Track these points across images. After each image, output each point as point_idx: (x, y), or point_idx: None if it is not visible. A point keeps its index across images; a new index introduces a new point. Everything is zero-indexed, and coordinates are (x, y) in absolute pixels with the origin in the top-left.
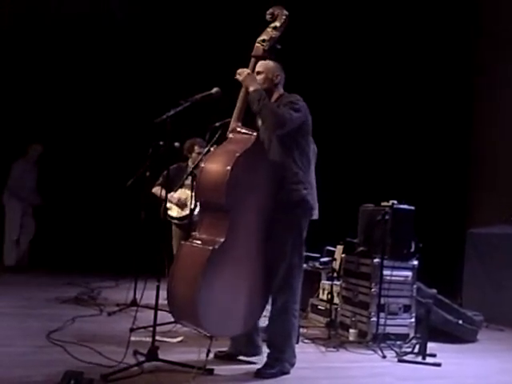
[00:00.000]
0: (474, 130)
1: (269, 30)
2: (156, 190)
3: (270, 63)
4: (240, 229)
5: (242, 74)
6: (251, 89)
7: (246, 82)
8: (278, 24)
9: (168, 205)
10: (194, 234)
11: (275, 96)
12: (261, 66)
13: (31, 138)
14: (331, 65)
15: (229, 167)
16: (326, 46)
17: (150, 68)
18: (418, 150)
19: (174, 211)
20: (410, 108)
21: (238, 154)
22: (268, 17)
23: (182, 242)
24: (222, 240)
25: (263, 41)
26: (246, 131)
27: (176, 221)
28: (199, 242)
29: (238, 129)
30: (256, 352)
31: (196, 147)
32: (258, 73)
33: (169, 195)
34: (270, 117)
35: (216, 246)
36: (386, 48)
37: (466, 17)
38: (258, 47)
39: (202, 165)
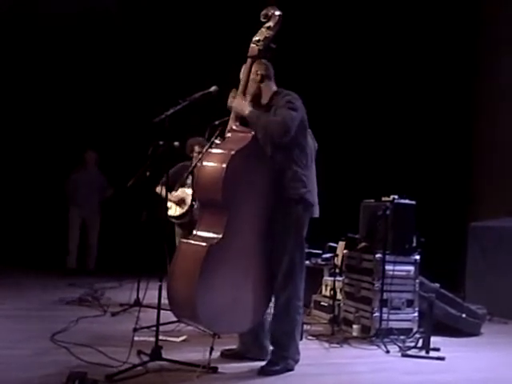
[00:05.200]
0: (475, 123)
1: (263, 30)
2: (159, 188)
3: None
4: (239, 226)
5: (232, 102)
6: (246, 112)
7: (239, 109)
8: (271, 24)
9: (168, 204)
10: (193, 231)
11: (269, 94)
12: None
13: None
14: (332, 61)
15: (224, 165)
16: (328, 42)
17: (149, 68)
18: (418, 144)
19: (173, 210)
20: (409, 102)
21: (233, 152)
22: (262, 17)
23: (181, 240)
24: (220, 237)
25: (258, 41)
26: (243, 130)
27: (174, 219)
28: (197, 239)
29: (235, 127)
30: (264, 355)
31: (196, 147)
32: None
33: (169, 195)
34: (275, 129)
35: (213, 243)
36: (387, 42)
37: (467, 15)
38: (253, 47)
39: (200, 164)
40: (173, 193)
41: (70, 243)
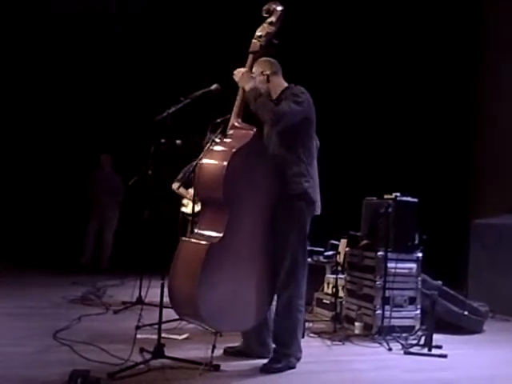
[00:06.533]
0: (476, 121)
1: (265, 25)
2: (174, 185)
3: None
4: (240, 224)
5: (237, 74)
6: (247, 88)
7: (241, 82)
8: (273, 19)
9: (185, 201)
10: (194, 230)
11: (278, 90)
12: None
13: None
14: (334, 59)
15: (225, 162)
16: (330, 41)
17: (150, 67)
18: (420, 142)
19: (189, 208)
20: (411, 101)
21: (234, 150)
22: (264, 13)
23: (182, 239)
24: (221, 235)
25: (259, 36)
26: (245, 127)
27: (191, 217)
28: (198, 237)
29: (237, 125)
30: (266, 353)
31: None
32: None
33: (185, 192)
34: (267, 114)
35: (214, 242)
36: (388, 42)
37: (468, 15)
38: (255, 43)
39: (201, 161)
40: (189, 190)
41: (85, 241)
